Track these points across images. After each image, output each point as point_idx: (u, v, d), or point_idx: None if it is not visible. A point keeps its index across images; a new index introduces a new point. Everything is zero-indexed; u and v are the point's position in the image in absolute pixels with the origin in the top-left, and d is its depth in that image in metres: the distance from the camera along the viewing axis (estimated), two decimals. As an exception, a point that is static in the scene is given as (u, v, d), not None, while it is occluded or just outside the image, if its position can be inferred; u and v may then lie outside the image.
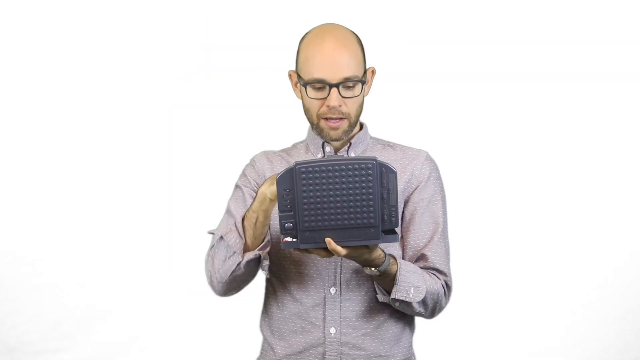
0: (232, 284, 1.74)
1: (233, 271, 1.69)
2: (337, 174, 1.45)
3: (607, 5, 3.53)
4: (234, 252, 1.67)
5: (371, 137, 1.86)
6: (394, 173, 1.48)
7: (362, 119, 1.84)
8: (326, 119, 1.72)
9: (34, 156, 3.56)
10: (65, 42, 3.54)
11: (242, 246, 1.67)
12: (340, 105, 1.70)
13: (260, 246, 1.69)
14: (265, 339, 1.85)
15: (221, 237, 1.70)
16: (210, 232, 1.77)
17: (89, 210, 3.58)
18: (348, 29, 1.77)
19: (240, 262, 1.67)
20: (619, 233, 3.57)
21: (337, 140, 1.75)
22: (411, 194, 1.78)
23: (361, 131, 1.82)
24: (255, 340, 1.97)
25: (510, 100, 3.58)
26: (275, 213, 1.73)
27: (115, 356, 3.52)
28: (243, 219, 1.68)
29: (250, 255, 1.67)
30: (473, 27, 3.56)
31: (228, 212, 1.82)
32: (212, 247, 1.75)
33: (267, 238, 1.71)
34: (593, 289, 3.56)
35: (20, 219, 3.55)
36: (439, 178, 1.82)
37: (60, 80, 3.56)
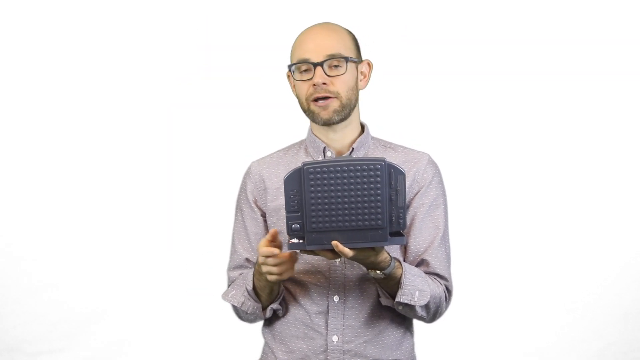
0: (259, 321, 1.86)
1: (257, 319, 1.82)
2: (345, 174, 1.45)
3: (607, 5, 3.53)
4: (255, 315, 1.77)
5: (372, 138, 1.85)
6: (403, 174, 1.48)
7: (363, 119, 1.84)
8: (315, 100, 1.72)
9: (34, 156, 3.55)
10: (65, 42, 3.53)
11: (260, 308, 1.76)
12: (325, 84, 1.69)
13: (277, 298, 1.77)
14: (266, 343, 1.85)
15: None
16: (225, 300, 1.80)
17: (89, 210, 3.56)
18: (343, 27, 1.78)
19: (263, 318, 1.80)
20: (618, 234, 3.57)
21: (329, 122, 1.73)
22: (413, 198, 1.77)
23: (363, 134, 1.81)
24: (255, 343, 1.97)
25: (511, 100, 3.57)
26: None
27: (115, 356, 3.52)
28: (254, 287, 1.73)
29: (269, 312, 1.77)
30: (473, 26, 3.55)
31: (234, 246, 1.86)
32: (232, 306, 1.81)
33: (282, 289, 1.77)
34: (593, 290, 3.56)
35: (20, 219, 3.54)
36: (440, 182, 1.82)
37: (60, 81, 3.55)
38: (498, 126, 3.57)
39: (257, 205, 1.83)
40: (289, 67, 1.74)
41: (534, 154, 3.58)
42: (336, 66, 1.70)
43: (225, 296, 1.79)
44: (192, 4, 3.55)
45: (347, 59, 1.71)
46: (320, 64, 1.69)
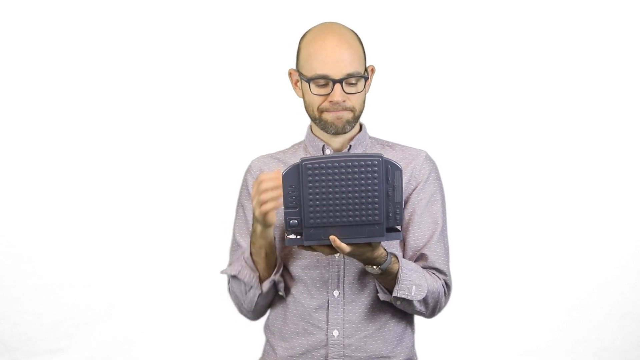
0: (261, 309, 1.83)
1: (256, 302, 1.77)
2: (342, 170, 1.46)
3: (608, 5, 3.53)
4: (251, 287, 1.75)
5: (370, 137, 1.87)
6: (400, 170, 1.49)
7: (360, 119, 1.84)
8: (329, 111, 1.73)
9: (34, 156, 3.55)
10: (65, 42, 3.54)
11: (257, 278, 1.74)
12: (344, 101, 1.71)
13: (274, 271, 1.75)
14: (267, 340, 1.86)
15: (234, 276, 1.77)
16: (223, 272, 1.80)
17: (89, 210, 3.57)
18: (348, 28, 1.78)
19: (260, 293, 1.75)
20: (619, 233, 3.57)
21: (341, 132, 1.75)
22: (410, 193, 1.79)
23: (360, 132, 1.83)
24: (257, 341, 1.98)
25: (510, 100, 3.58)
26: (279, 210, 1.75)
27: (115, 356, 3.52)
28: (251, 254, 1.73)
29: (267, 285, 1.74)
30: (471, 23, 3.56)
31: (234, 241, 1.85)
32: (229, 283, 1.81)
33: (279, 261, 1.76)
34: (593, 289, 3.56)
35: (21, 218, 3.54)
36: (438, 178, 1.83)
37: (60, 81, 3.55)
38: (496, 124, 3.58)
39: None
40: (308, 80, 1.72)
41: (533, 152, 3.59)
42: (353, 84, 1.72)
43: (223, 270, 1.79)
44: (191, 3, 3.55)
45: (365, 78, 1.73)
46: (340, 82, 1.69)
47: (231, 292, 1.81)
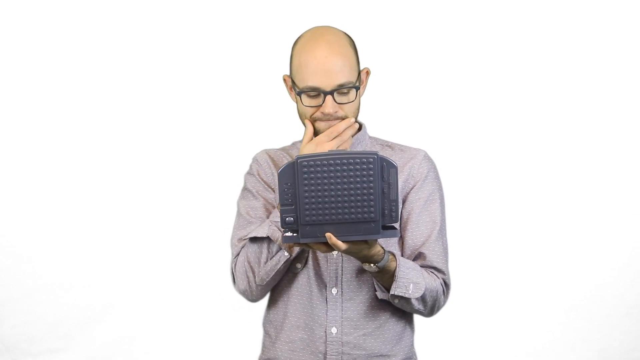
0: (270, 284, 1.77)
1: (276, 272, 1.72)
2: (338, 167, 1.46)
3: (608, 5, 3.54)
4: (279, 249, 1.70)
5: (370, 137, 1.87)
6: (395, 167, 1.49)
7: (360, 118, 1.84)
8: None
9: (34, 156, 3.56)
10: (65, 42, 3.54)
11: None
12: (335, 112, 1.70)
13: None
14: (266, 334, 1.85)
15: (255, 239, 1.72)
16: (245, 238, 1.75)
17: (90, 210, 3.57)
18: (340, 32, 1.76)
19: (288, 258, 1.71)
20: (618, 233, 3.57)
21: None
22: (409, 192, 1.79)
23: (359, 132, 1.82)
24: (256, 340, 1.97)
25: (509, 100, 3.58)
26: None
27: (115, 356, 3.52)
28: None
29: (297, 248, 1.70)
30: (472, 25, 3.56)
31: (244, 220, 1.80)
32: (238, 254, 1.76)
33: None
34: (592, 289, 3.56)
35: (21, 218, 3.55)
36: (436, 177, 1.83)
37: (60, 81, 3.56)
38: (495, 125, 3.58)
39: (266, 183, 1.83)
40: (299, 93, 1.71)
41: (532, 155, 3.59)
42: (345, 93, 1.70)
43: (252, 233, 1.73)
44: (191, 4, 3.56)
45: (356, 88, 1.71)
46: (331, 93, 1.68)
47: (242, 264, 1.76)
